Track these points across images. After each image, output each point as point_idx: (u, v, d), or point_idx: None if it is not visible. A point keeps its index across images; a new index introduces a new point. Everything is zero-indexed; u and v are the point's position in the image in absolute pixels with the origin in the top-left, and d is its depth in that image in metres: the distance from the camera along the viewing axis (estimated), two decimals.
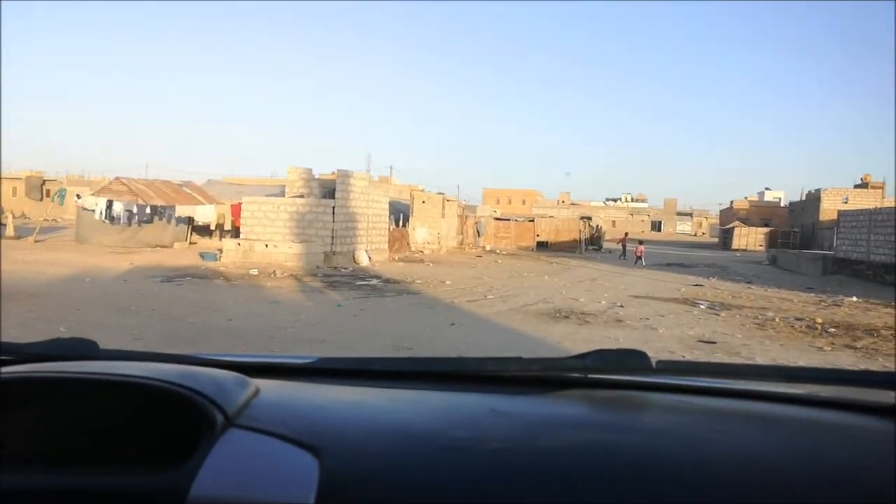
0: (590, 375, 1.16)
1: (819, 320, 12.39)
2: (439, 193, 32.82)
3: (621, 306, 13.67)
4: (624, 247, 34.47)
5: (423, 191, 33.65)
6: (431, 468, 0.83)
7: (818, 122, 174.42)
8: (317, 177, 21.24)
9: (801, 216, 55.55)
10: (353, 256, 20.74)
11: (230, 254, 18.77)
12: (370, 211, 22.35)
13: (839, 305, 15.50)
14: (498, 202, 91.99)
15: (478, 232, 35.58)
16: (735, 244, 54.14)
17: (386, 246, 24.09)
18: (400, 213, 29.84)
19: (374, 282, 16.22)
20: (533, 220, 39.26)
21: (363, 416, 0.97)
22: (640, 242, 31.24)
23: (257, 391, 1.00)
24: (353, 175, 20.85)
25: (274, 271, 16.79)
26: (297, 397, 1.06)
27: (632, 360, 1.11)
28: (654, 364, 1.09)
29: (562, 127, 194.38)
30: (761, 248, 52.96)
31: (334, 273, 17.88)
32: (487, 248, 34.71)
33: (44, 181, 54.14)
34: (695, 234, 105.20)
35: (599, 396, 1.14)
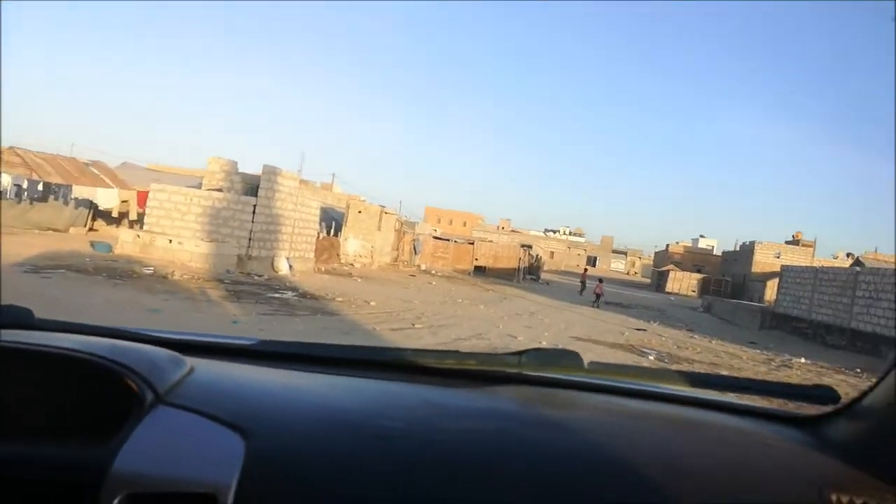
0: (524, 372, 1.18)
1: None
2: (384, 208, 30.89)
3: None
4: (583, 283, 33.46)
5: (363, 201, 31.61)
6: (359, 454, 0.84)
7: (754, 176, 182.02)
8: (241, 172, 18.98)
9: (734, 266, 56.41)
10: (272, 263, 18.57)
11: (126, 246, 16.29)
12: (297, 215, 20.24)
13: (789, 367, 14.50)
14: (439, 221, 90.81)
15: (414, 249, 33.81)
16: (669, 287, 54.39)
17: (312, 255, 21.98)
18: (333, 222, 27.77)
19: (288, 295, 14.16)
20: (472, 243, 37.80)
21: (295, 400, 0.98)
22: (601, 280, 29.96)
23: (191, 370, 1.00)
24: (281, 173, 18.74)
25: (172, 272, 14.48)
26: (231, 378, 1.05)
27: (565, 359, 1.20)
28: (586, 364, 1.18)
29: (506, 154, 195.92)
30: (693, 293, 53.39)
31: (244, 280, 15.69)
32: (423, 267, 32.96)
33: None
34: (627, 273, 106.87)
35: (532, 393, 1.15)
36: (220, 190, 18.12)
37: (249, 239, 17.68)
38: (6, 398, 0.92)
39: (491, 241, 42.55)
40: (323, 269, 23.10)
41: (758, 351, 16.98)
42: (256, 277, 16.54)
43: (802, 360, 15.83)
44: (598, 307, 26.63)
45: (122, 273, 13.36)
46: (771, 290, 46.32)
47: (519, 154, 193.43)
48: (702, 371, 11.86)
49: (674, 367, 12.16)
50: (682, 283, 54.55)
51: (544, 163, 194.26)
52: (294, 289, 15.41)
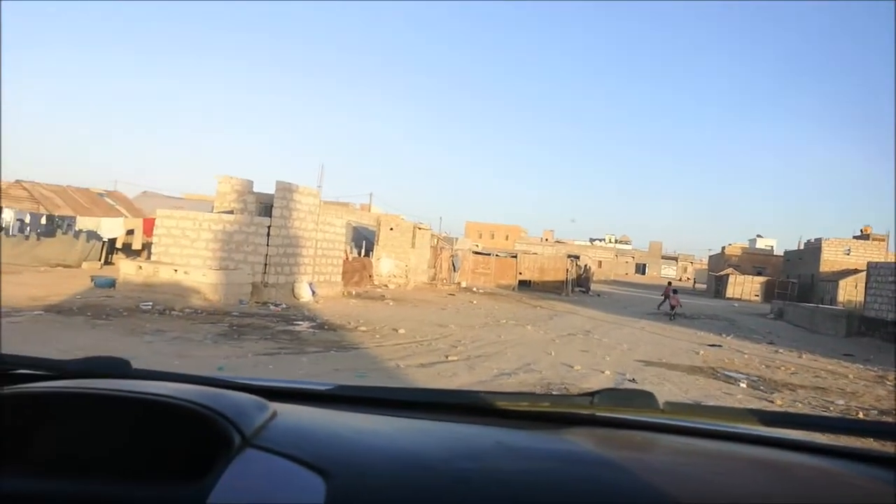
0: (597, 414, 1.17)
1: None
2: (417, 224, 28.90)
3: (632, 380, 9.85)
4: (667, 296, 27.76)
5: (397, 217, 29.68)
6: (435, 496, 0.85)
7: (811, 171, 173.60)
8: (256, 191, 17.27)
9: (798, 266, 52.52)
10: (293, 290, 16.76)
11: (129, 280, 14.68)
12: (320, 235, 18.43)
13: None
14: (480, 236, 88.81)
15: (453, 266, 31.73)
16: (729, 292, 50.80)
17: (339, 278, 20.12)
18: (365, 241, 25.97)
19: (304, 326, 12.24)
20: (515, 257, 35.49)
21: (373, 442, 1.00)
22: (675, 291, 27.17)
23: (275, 414, 1.04)
24: (298, 189, 16.95)
25: (171, 307, 12.73)
26: (312, 422, 1.09)
27: (639, 399, 1.16)
28: (661, 405, 1.14)
29: (547, 166, 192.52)
30: (757, 297, 49.77)
31: (257, 312, 13.86)
32: (463, 284, 30.84)
33: None
34: (679, 279, 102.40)
35: (605, 435, 1.15)
36: (231, 212, 16.44)
37: (265, 265, 15.89)
38: (107, 442, 0.97)
39: (535, 254, 40.15)
40: (354, 292, 21.24)
41: (860, 366, 14.24)
42: (273, 307, 14.71)
43: None
44: (672, 319, 24.22)
45: (111, 311, 11.66)
46: (844, 291, 42.60)
47: (559, 163, 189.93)
48: (806, 402, 9.45)
49: (773, 394, 9.74)
50: (744, 287, 50.91)
51: (586, 170, 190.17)
52: (313, 318, 13.49)
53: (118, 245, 17.61)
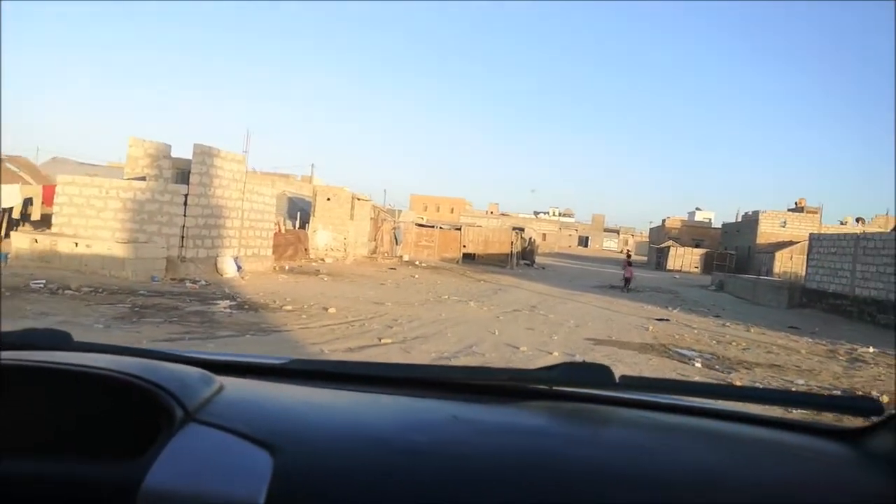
0: (554, 388, 1.18)
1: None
2: (356, 194, 27.39)
3: (583, 362, 9.02)
4: (628, 276, 25.62)
5: (341, 189, 28.02)
6: (385, 470, 0.84)
7: (748, 143, 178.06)
8: (174, 157, 15.58)
9: (736, 238, 53.55)
10: (216, 265, 15.30)
11: (22, 254, 12.95)
12: (247, 205, 16.94)
13: (864, 361, 11.47)
14: (426, 209, 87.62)
15: (396, 239, 30.54)
16: (670, 264, 51.43)
17: (270, 252, 18.69)
18: (300, 213, 24.46)
19: (222, 306, 10.94)
20: (460, 229, 34.55)
21: (323, 416, 0.98)
22: (630, 263, 26.79)
23: (221, 388, 1.02)
24: (220, 154, 15.37)
25: (66, 286, 11.18)
26: (260, 396, 1.06)
27: (596, 374, 1.11)
28: (617, 379, 1.09)
29: (493, 138, 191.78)
30: (696, 269, 50.50)
31: (171, 289, 12.42)
32: (406, 258, 29.72)
33: None
34: (621, 251, 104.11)
35: (562, 408, 1.15)
36: (143, 178, 14.77)
37: (182, 237, 14.37)
38: (43, 416, 0.95)
39: (479, 226, 39.35)
40: (288, 267, 19.86)
41: (808, 339, 13.95)
42: (190, 285, 13.27)
43: (871, 349, 12.80)
44: (626, 291, 23.90)
45: None
46: (780, 262, 43.53)
47: (504, 137, 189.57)
48: (765, 383, 8.85)
49: (731, 375, 9.11)
50: (684, 259, 51.60)
51: (530, 145, 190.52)
52: (234, 297, 12.17)
53: (15, 215, 15.69)
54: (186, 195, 14.37)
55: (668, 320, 15.44)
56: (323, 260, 23.43)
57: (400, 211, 61.14)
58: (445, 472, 0.84)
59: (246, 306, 11.20)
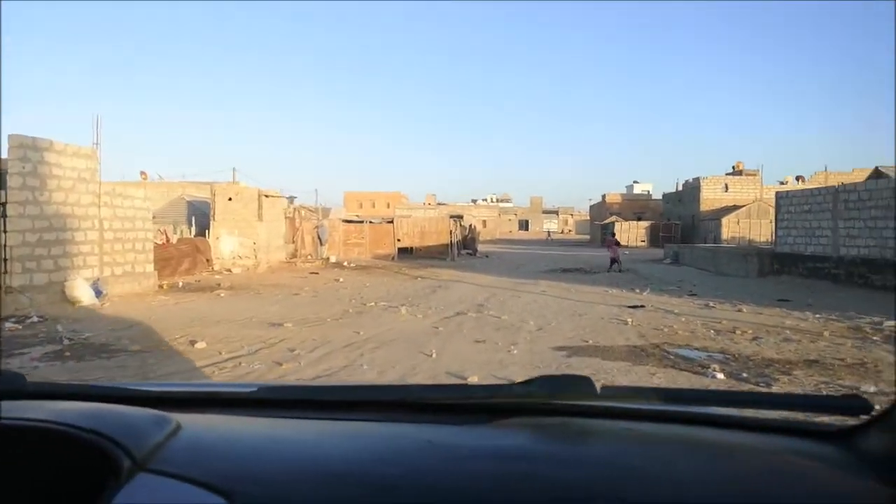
0: (534, 402, 1.13)
1: None
2: (263, 191, 23.52)
3: None
4: (614, 256, 23.47)
5: (244, 186, 24.04)
6: None
7: (678, 113, 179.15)
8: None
9: (679, 207, 52.28)
10: (63, 292, 11.62)
11: None
12: (108, 213, 13.24)
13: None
14: (361, 206, 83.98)
15: (319, 239, 27.01)
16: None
17: (151, 268, 15.00)
18: (193, 217, 20.66)
19: (30, 356, 7.45)
20: (392, 222, 31.29)
21: (289, 453, 0.93)
22: (617, 243, 24.64)
23: (178, 428, 0.96)
24: (53, 147, 11.59)
25: None
26: (220, 434, 1.00)
27: (577, 385, 1.11)
28: (598, 389, 1.10)
29: (425, 129, 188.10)
30: (643, 243, 48.90)
31: None
32: (332, 259, 26.26)
33: None
34: (562, 232, 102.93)
35: (543, 424, 1.10)
36: None
37: (4, 260, 10.64)
38: None
39: (411, 216, 36.17)
40: (180, 283, 16.22)
41: (816, 316, 11.44)
42: (11, 325, 9.61)
43: (893, 323, 10.35)
44: (617, 272, 21.78)
45: None
46: (727, 228, 42.16)
47: (435, 126, 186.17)
48: (807, 384, 6.17)
49: (768, 383, 6.33)
50: (630, 233, 49.84)
51: (461, 132, 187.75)
52: (64, 338, 8.63)
53: None
54: (4, 204, 10.63)
55: (643, 306, 12.72)
56: (229, 270, 19.81)
57: (330, 209, 57.38)
58: None
59: (68, 353, 7.72)
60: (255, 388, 1.21)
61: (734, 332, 9.66)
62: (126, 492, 0.78)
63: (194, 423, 0.99)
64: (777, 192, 21.71)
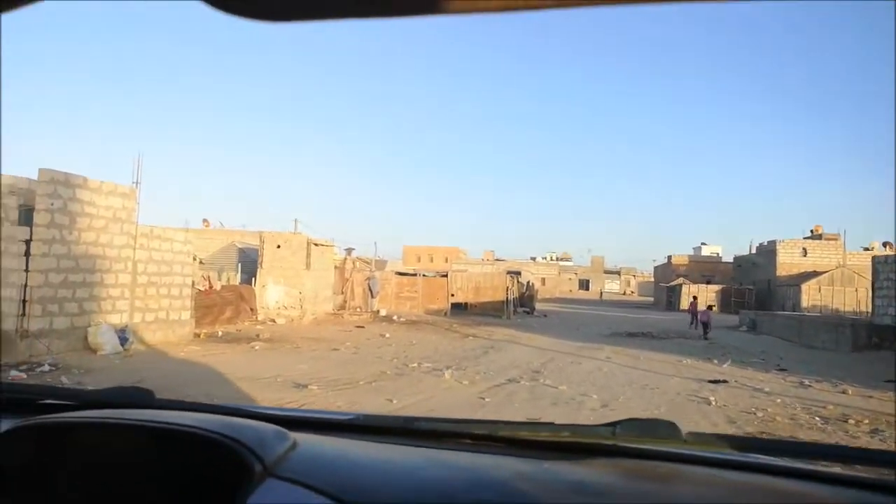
0: (620, 444, 1.14)
1: None
2: (313, 239, 22.90)
3: None
4: (694, 314, 25.17)
5: (295, 234, 23.46)
6: None
7: (749, 171, 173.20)
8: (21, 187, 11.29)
9: (752, 271, 49.21)
10: (86, 338, 10.87)
11: None
12: (144, 255, 12.62)
13: None
14: (419, 260, 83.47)
15: (370, 292, 26.11)
16: (683, 304, 46.83)
17: (187, 315, 14.25)
18: (239, 264, 20.10)
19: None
20: (446, 276, 30.17)
21: (393, 472, 0.99)
22: (709, 307, 24.48)
23: (295, 444, 1.03)
24: (86, 184, 11.07)
25: None
26: (332, 452, 1.08)
27: (662, 429, 1.16)
28: (684, 435, 1.14)
29: (484, 185, 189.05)
30: (714, 308, 45.96)
31: None
32: (382, 312, 25.19)
33: None
34: (623, 293, 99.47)
35: (627, 466, 1.09)
36: None
37: (23, 301, 9.97)
38: (129, 473, 0.97)
39: (466, 271, 34.99)
40: (220, 333, 15.42)
41: None
42: (15, 374, 8.81)
43: None
44: (707, 340, 20.29)
45: None
46: (808, 295, 39.07)
47: (496, 183, 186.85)
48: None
49: None
50: (699, 297, 46.99)
51: (523, 190, 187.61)
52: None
53: None
54: (29, 241, 10.03)
55: (726, 381, 10.98)
56: (273, 321, 18.98)
57: (386, 262, 56.90)
58: None
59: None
60: (354, 416, 1.32)
61: (846, 422, 7.91)
62: (259, 493, 0.87)
63: (307, 440, 1.06)
64: (874, 257, 19.48)
